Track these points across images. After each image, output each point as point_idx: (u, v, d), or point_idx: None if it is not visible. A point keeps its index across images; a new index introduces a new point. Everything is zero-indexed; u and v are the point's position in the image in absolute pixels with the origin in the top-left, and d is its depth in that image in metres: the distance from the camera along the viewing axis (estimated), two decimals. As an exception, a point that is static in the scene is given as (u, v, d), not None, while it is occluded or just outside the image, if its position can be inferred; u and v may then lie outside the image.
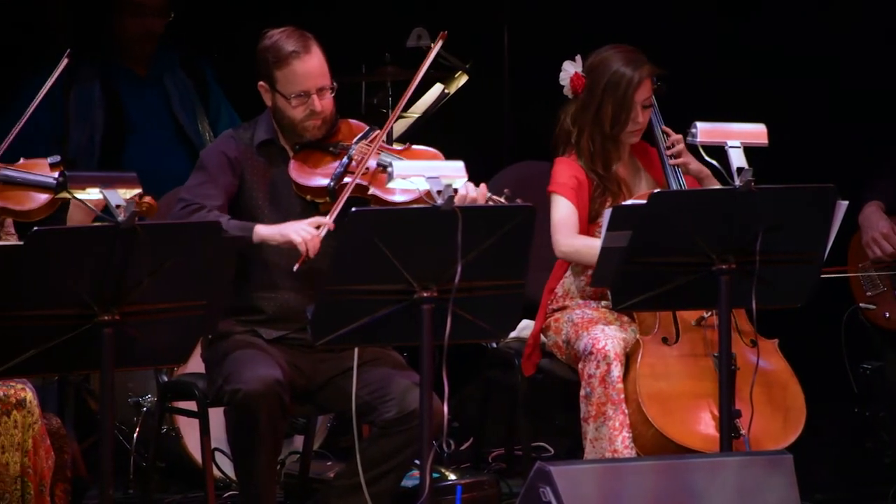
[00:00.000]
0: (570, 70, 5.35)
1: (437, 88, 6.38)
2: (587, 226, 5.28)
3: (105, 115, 6.25)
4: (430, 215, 4.30)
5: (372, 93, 6.19)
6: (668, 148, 5.34)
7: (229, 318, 4.81)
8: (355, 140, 4.93)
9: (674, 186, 5.32)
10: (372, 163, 4.86)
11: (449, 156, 4.50)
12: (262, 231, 4.75)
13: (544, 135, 5.42)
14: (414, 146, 5.01)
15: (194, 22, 6.42)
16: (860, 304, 5.81)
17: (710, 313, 5.17)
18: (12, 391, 4.54)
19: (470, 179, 4.67)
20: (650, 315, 5.18)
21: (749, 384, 4.96)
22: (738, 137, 4.74)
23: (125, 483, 5.70)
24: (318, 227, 4.71)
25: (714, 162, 4.87)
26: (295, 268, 4.68)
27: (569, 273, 5.35)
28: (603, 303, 5.29)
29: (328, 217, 4.73)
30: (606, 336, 5.12)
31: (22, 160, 4.73)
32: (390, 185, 4.42)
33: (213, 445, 5.15)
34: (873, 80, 6.54)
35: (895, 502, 5.64)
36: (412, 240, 4.30)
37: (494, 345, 5.52)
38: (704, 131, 4.79)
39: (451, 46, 6.27)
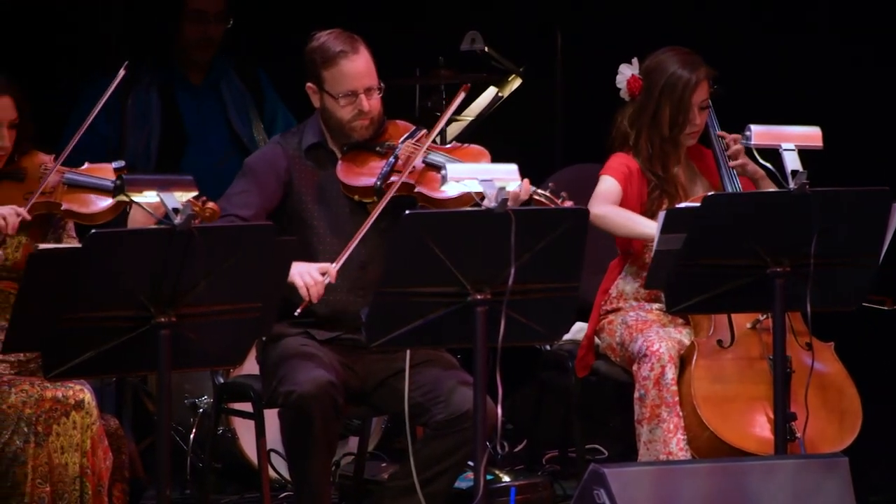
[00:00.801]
0: (627, 73, 5.35)
1: (491, 91, 6.39)
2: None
3: (162, 122, 6.30)
4: (484, 218, 4.31)
5: (426, 96, 6.21)
6: (726, 149, 5.34)
7: (283, 320, 4.83)
8: (402, 139, 4.96)
9: (729, 189, 5.31)
10: (418, 161, 4.88)
11: (502, 158, 4.50)
12: None
13: (596, 137, 5.42)
14: (461, 145, 5.03)
15: (250, 28, 6.46)
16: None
17: (764, 316, 5.15)
18: (71, 392, 4.59)
19: (524, 181, 4.67)
20: (705, 317, 5.17)
21: (804, 387, 4.94)
22: (792, 140, 4.72)
23: (182, 483, 5.73)
24: (323, 274, 4.72)
25: (768, 165, 4.86)
26: (296, 312, 4.70)
27: (623, 275, 5.35)
28: (657, 305, 5.28)
29: (334, 264, 4.71)
30: (661, 338, 5.11)
31: (87, 164, 4.79)
32: (444, 187, 4.44)
33: (269, 446, 5.17)
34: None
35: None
36: (466, 242, 4.31)
37: (548, 347, 5.52)
38: (759, 134, 4.78)
39: (505, 49, 6.29)
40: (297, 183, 4.96)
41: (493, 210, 4.28)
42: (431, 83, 6.16)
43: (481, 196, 4.29)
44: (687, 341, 5.17)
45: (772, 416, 4.89)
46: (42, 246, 4.49)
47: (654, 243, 4.77)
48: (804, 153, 4.72)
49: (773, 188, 5.21)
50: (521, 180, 4.74)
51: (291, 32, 5.24)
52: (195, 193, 4.25)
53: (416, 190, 4.87)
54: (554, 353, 5.50)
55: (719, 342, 5.17)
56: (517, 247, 4.30)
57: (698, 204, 4.68)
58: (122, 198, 4.33)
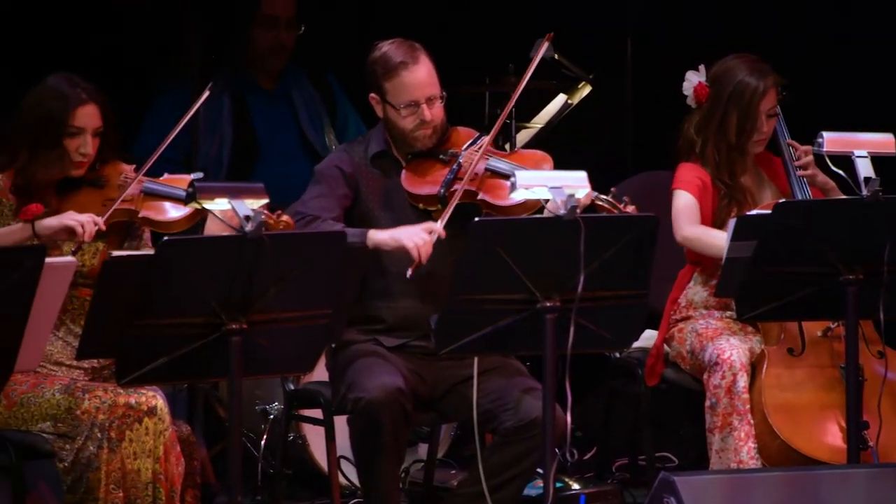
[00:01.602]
0: (694, 80, 5.33)
1: (560, 99, 6.38)
2: (712, 234, 5.26)
3: (234, 128, 6.34)
4: (553, 225, 4.30)
5: (495, 103, 6.21)
6: (797, 159, 5.31)
7: (352, 327, 4.85)
8: (464, 147, 4.96)
9: (799, 196, 5.28)
10: (481, 168, 4.89)
11: (571, 166, 4.50)
12: (376, 236, 4.78)
13: (666, 144, 5.40)
14: (522, 150, 5.03)
15: (321, 35, 6.49)
16: None
17: (836, 324, 5.12)
18: (143, 399, 4.62)
19: (592, 188, 4.67)
20: (775, 325, 5.15)
21: (877, 396, 4.91)
22: (865, 147, 4.69)
23: (253, 490, 5.76)
24: (430, 233, 4.74)
25: (841, 172, 4.83)
26: (408, 273, 4.71)
27: (693, 283, 5.33)
28: (727, 313, 5.26)
29: (439, 223, 4.76)
30: (732, 346, 5.09)
31: (166, 175, 4.83)
32: (513, 195, 4.44)
33: (339, 453, 5.19)
34: None
35: None
36: (535, 249, 4.31)
37: (617, 354, 5.51)
38: (831, 141, 4.75)
39: (575, 56, 6.28)
40: (364, 190, 4.98)
41: (563, 217, 4.28)
42: (501, 91, 6.16)
43: (546, 201, 4.29)
44: (758, 349, 5.14)
45: (843, 424, 4.86)
46: (116, 253, 4.53)
47: (725, 251, 4.75)
48: (876, 160, 4.69)
49: (844, 198, 5.18)
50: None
51: (362, 38, 5.26)
52: (266, 201, 4.28)
53: (478, 197, 4.87)
54: (623, 360, 5.49)
55: (790, 350, 5.14)
56: (586, 254, 4.29)
57: (769, 211, 4.66)
58: (195, 205, 4.36)
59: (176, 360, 4.16)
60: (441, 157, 4.96)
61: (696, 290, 5.32)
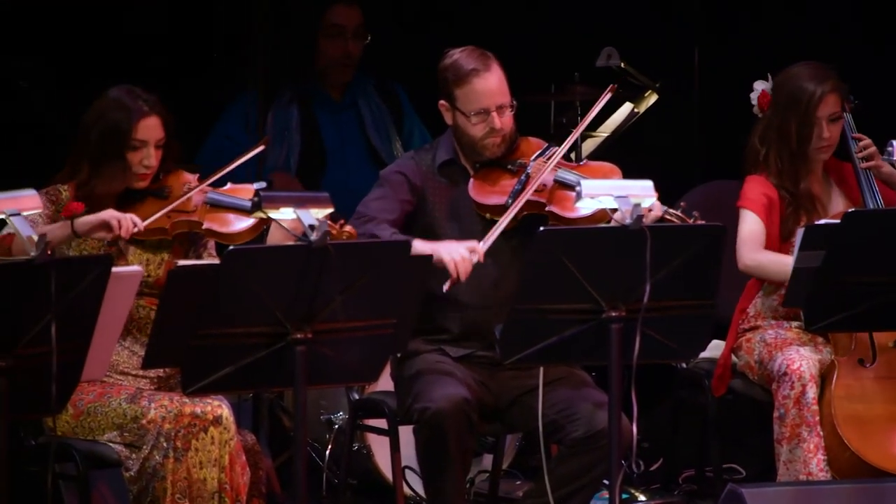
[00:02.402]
0: (759, 88, 5.30)
1: (627, 107, 6.36)
2: (779, 244, 5.22)
3: (301, 138, 6.36)
4: (619, 234, 4.28)
5: (561, 112, 6.20)
6: (860, 152, 5.26)
7: (417, 336, 4.84)
8: (533, 157, 4.95)
9: (870, 204, 5.23)
10: (549, 179, 4.87)
11: (638, 175, 4.47)
12: (417, 246, 4.74)
13: (734, 154, 5.37)
14: (591, 162, 5.00)
15: (387, 45, 6.50)
16: None
17: (908, 334, 5.07)
18: (209, 408, 4.63)
19: (659, 198, 4.64)
20: (845, 336, 5.10)
21: (949, 407, 4.86)
22: (937, 155, 4.65)
23: (318, 499, 5.77)
24: (471, 252, 4.71)
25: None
26: (444, 288, 4.69)
27: (761, 293, 5.29)
28: (795, 323, 5.21)
29: (482, 244, 4.73)
30: (801, 357, 5.05)
31: (229, 185, 4.85)
32: (578, 204, 4.42)
33: (404, 463, 5.19)
34: None
35: None
36: (600, 258, 4.29)
37: (684, 365, 5.47)
38: (903, 148, 4.71)
39: (642, 65, 6.26)
40: (430, 198, 4.98)
41: (629, 227, 4.25)
42: (566, 99, 6.15)
43: (614, 212, 4.26)
44: (827, 360, 5.09)
45: (915, 437, 4.81)
46: (181, 262, 4.55)
47: (793, 260, 4.71)
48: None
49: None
50: (663, 203, 4.71)
51: (428, 48, 5.26)
52: (331, 210, 4.28)
53: (547, 208, 4.85)
54: (690, 371, 5.45)
55: (860, 361, 5.09)
56: (652, 264, 4.26)
57: (838, 220, 4.61)
58: (259, 214, 4.37)
59: (241, 370, 4.17)
60: (509, 166, 4.94)
61: (764, 300, 5.28)
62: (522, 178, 4.91)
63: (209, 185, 4.79)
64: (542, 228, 4.32)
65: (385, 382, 5.04)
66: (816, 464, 4.97)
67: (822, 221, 4.93)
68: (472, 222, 4.95)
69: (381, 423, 5.13)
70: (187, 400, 4.61)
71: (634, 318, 4.30)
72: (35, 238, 3.94)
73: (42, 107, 5.97)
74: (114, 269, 4.05)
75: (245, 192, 4.80)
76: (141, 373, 4.74)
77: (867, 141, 5.24)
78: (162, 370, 4.75)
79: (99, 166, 4.74)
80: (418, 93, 6.41)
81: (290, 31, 6.40)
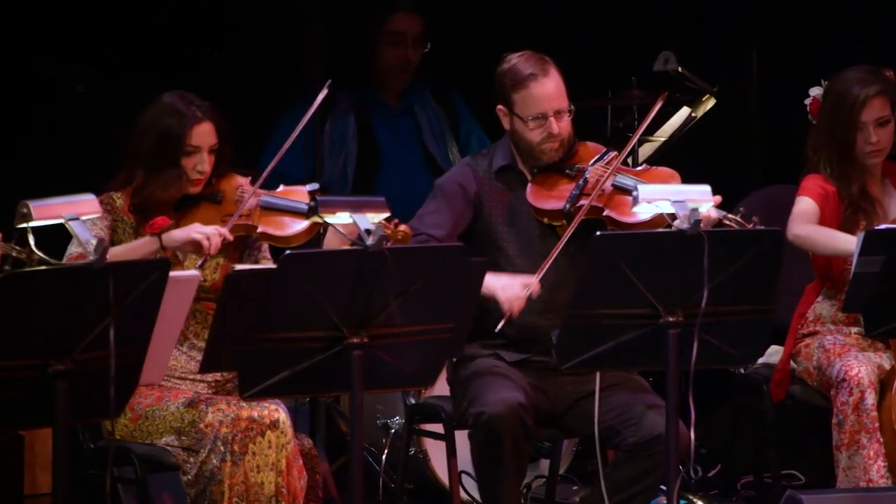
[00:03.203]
0: (812, 95, 5.28)
1: (684, 112, 6.33)
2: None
3: (358, 145, 6.38)
4: (676, 239, 4.26)
5: (618, 116, 6.18)
6: None
7: (473, 341, 4.84)
8: (591, 162, 4.93)
9: (929, 207, 5.19)
10: (608, 185, 4.85)
11: (696, 179, 4.45)
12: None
13: (793, 158, 5.33)
14: (651, 167, 4.99)
15: (444, 50, 6.50)
16: None
17: (969, 340, 5.02)
18: (266, 412, 4.65)
19: (717, 204, 4.62)
20: (906, 342, 5.06)
21: None
22: None
23: (374, 504, 5.79)
24: (525, 288, 4.71)
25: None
26: (498, 328, 4.70)
27: (820, 298, 5.25)
28: (855, 329, 5.18)
29: (535, 277, 4.71)
30: (860, 363, 5.02)
31: (282, 187, 4.86)
32: (635, 208, 4.40)
33: (460, 468, 5.18)
34: None
35: None
36: (657, 263, 4.27)
37: (742, 370, 5.44)
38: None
39: (699, 69, 6.23)
40: (487, 205, 4.98)
41: (686, 231, 4.23)
42: (623, 104, 6.13)
43: (672, 219, 4.25)
44: (887, 366, 5.06)
45: (976, 443, 4.76)
46: (238, 267, 4.57)
47: (853, 265, 4.67)
48: None
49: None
50: (720, 208, 4.69)
51: (485, 54, 5.26)
52: (387, 214, 4.29)
53: (604, 214, 4.84)
54: (748, 376, 5.42)
55: (921, 367, 5.05)
56: (710, 268, 4.24)
57: (897, 225, 4.58)
58: (316, 219, 4.37)
59: (298, 374, 4.18)
60: (567, 171, 4.94)
61: (824, 305, 5.24)
62: (580, 182, 4.90)
63: (259, 186, 4.81)
64: (598, 233, 4.31)
65: (441, 387, 5.04)
66: (877, 470, 4.94)
67: (882, 227, 4.90)
68: (530, 227, 4.94)
69: (438, 427, 5.13)
70: (245, 404, 4.62)
71: (692, 324, 4.28)
72: (94, 242, 3.97)
73: (100, 112, 6.00)
74: (171, 274, 4.07)
75: (298, 194, 4.81)
76: (198, 377, 4.76)
77: None
78: (219, 374, 4.77)
79: (154, 172, 4.75)
80: (476, 98, 6.41)
81: (350, 38, 6.41)
